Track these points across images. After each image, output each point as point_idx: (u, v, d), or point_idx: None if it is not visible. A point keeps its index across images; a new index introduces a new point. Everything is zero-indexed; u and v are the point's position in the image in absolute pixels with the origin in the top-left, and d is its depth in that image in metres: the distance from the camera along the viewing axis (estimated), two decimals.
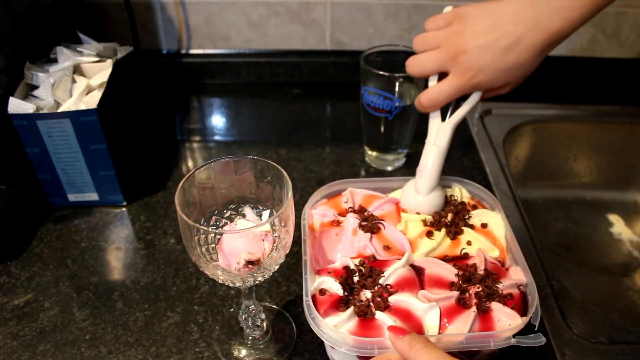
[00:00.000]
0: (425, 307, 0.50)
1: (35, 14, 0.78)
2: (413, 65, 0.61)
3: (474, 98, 0.61)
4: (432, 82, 0.62)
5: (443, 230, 0.59)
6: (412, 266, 0.56)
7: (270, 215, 0.54)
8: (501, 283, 0.53)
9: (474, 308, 0.51)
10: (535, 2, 0.55)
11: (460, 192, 0.64)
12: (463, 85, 0.59)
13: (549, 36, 0.55)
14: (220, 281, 0.50)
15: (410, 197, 0.63)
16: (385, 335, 0.49)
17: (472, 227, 0.60)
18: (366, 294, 0.52)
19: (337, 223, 0.60)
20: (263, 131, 0.95)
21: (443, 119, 0.62)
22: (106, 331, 0.61)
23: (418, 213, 0.62)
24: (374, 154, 0.85)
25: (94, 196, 0.77)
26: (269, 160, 0.52)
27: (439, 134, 0.62)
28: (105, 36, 0.87)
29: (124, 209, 0.78)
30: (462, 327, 0.49)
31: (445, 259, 0.57)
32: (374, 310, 0.51)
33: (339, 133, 0.95)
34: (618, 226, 0.93)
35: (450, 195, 0.64)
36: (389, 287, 0.53)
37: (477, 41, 0.56)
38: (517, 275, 0.54)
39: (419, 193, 0.62)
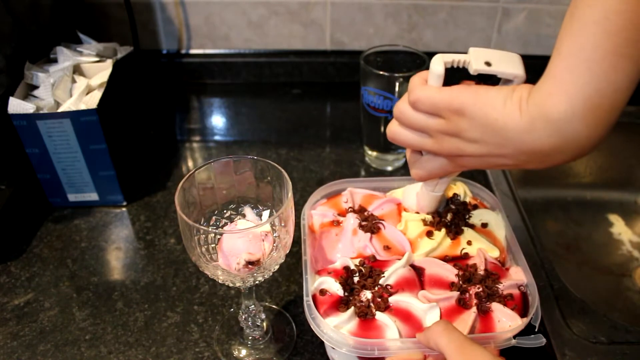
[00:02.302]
0: (426, 307, 0.50)
1: (35, 14, 0.78)
2: (392, 137, 0.50)
3: None
4: (433, 80, 0.47)
5: (443, 230, 0.59)
6: (412, 266, 0.56)
7: (270, 215, 0.54)
8: (501, 283, 0.53)
9: (474, 309, 0.51)
10: None
11: (465, 191, 0.64)
12: (460, 171, 0.52)
13: None
14: (220, 281, 0.50)
15: (412, 199, 0.62)
16: (385, 336, 0.49)
17: (472, 226, 0.60)
18: (366, 294, 0.52)
19: (337, 223, 0.60)
20: (263, 131, 0.95)
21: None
22: (106, 331, 0.61)
23: (417, 212, 0.62)
24: (374, 154, 0.85)
25: (94, 196, 0.77)
26: (269, 160, 0.52)
27: (437, 185, 0.57)
28: (105, 36, 0.87)
29: (124, 209, 0.78)
30: (462, 327, 0.49)
31: (446, 259, 0.57)
32: (374, 310, 0.51)
33: (339, 133, 0.95)
34: (618, 226, 0.93)
35: (454, 194, 0.64)
36: (389, 287, 0.53)
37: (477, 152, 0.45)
38: (518, 275, 0.54)
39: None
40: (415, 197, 0.62)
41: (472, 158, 0.45)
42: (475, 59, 0.45)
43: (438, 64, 0.45)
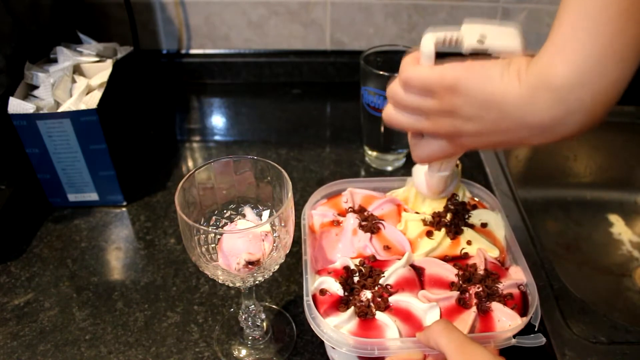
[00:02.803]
0: (426, 307, 0.50)
1: (35, 14, 0.78)
2: (388, 120, 0.48)
3: None
4: (425, 60, 0.45)
5: (443, 230, 0.59)
6: (412, 266, 0.56)
7: (270, 215, 0.54)
8: (501, 283, 0.53)
9: (474, 308, 0.51)
10: None
11: (464, 192, 0.64)
12: (462, 152, 0.49)
13: None
14: (220, 281, 0.50)
15: (420, 178, 0.60)
16: (385, 336, 0.49)
17: (472, 226, 0.60)
18: (366, 294, 0.52)
19: (337, 223, 0.60)
20: (263, 131, 0.95)
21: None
22: (106, 331, 0.61)
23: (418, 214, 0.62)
24: (374, 154, 0.85)
25: (94, 196, 0.77)
26: (269, 160, 0.52)
27: (443, 165, 0.55)
28: (105, 36, 0.87)
29: (124, 209, 0.78)
30: (462, 327, 0.49)
31: (445, 258, 0.57)
32: (374, 310, 0.51)
33: (339, 133, 0.95)
34: (618, 226, 0.93)
35: (453, 194, 0.64)
36: (389, 287, 0.53)
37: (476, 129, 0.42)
38: (517, 275, 0.54)
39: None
40: (423, 177, 0.59)
41: (471, 137, 0.43)
42: (469, 35, 0.43)
43: (428, 43, 0.43)
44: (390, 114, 0.47)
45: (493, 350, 0.45)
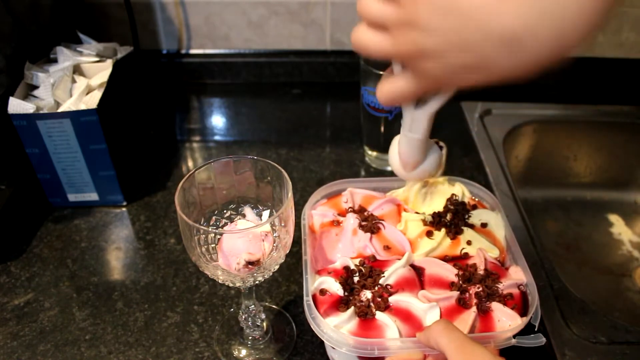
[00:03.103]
0: (426, 307, 0.50)
1: (35, 14, 0.78)
2: (355, 41, 0.43)
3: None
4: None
5: (443, 230, 0.59)
6: (412, 266, 0.56)
7: (270, 215, 0.54)
8: (501, 283, 0.53)
9: (474, 308, 0.51)
10: None
11: (463, 191, 0.64)
12: (428, 89, 0.44)
13: None
14: (220, 281, 0.50)
15: (394, 153, 0.56)
16: (385, 336, 0.49)
17: (472, 226, 0.60)
18: (366, 294, 0.52)
19: (337, 223, 0.60)
20: (263, 131, 0.95)
21: (417, 105, 0.50)
22: (106, 331, 0.61)
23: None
24: (374, 154, 0.85)
25: (94, 196, 0.77)
26: (269, 160, 0.52)
27: (413, 124, 0.52)
28: (105, 36, 0.87)
29: (124, 209, 0.78)
30: (462, 327, 0.49)
31: (445, 258, 0.57)
32: (374, 310, 0.51)
33: (339, 133, 0.95)
34: (618, 226, 0.93)
35: (452, 194, 0.64)
36: (389, 287, 0.53)
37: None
38: (517, 275, 0.54)
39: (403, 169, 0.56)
40: (396, 150, 0.55)
41: (432, 60, 0.37)
42: None
43: None
44: (357, 33, 0.42)
45: (493, 350, 0.45)
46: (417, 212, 0.62)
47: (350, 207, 0.62)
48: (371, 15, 0.40)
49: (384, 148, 0.83)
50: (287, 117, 0.99)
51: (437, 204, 0.63)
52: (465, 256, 0.57)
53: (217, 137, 0.95)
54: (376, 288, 0.53)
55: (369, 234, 0.58)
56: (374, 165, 0.86)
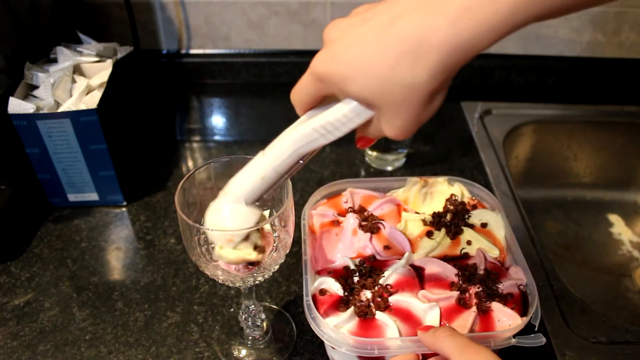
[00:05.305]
0: (426, 307, 0.50)
1: (35, 14, 0.78)
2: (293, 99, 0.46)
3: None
4: None
5: (443, 230, 0.59)
6: (412, 266, 0.56)
7: (270, 215, 0.54)
8: (501, 283, 0.53)
9: (474, 308, 0.51)
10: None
11: (462, 191, 0.64)
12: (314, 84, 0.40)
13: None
14: (220, 281, 0.50)
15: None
16: (385, 336, 0.49)
17: (472, 226, 0.60)
18: (366, 294, 0.52)
19: (337, 223, 0.60)
20: (263, 131, 0.95)
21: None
22: (106, 331, 0.61)
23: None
24: (374, 154, 0.85)
25: (94, 196, 0.77)
26: None
27: (274, 145, 0.46)
28: (105, 36, 0.88)
29: (124, 209, 0.78)
30: (462, 327, 0.49)
31: (445, 258, 0.57)
32: (374, 310, 0.51)
33: None
34: (618, 226, 0.93)
35: (452, 195, 0.64)
36: (389, 287, 0.53)
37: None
38: (517, 275, 0.54)
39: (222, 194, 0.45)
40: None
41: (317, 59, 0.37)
42: None
43: None
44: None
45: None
46: (417, 212, 0.62)
47: (350, 207, 0.62)
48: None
49: (384, 148, 0.83)
50: (287, 117, 0.98)
51: (437, 204, 0.63)
52: (465, 256, 0.57)
53: (217, 137, 0.95)
54: (376, 288, 0.53)
55: (369, 234, 0.58)
56: (374, 165, 0.86)
